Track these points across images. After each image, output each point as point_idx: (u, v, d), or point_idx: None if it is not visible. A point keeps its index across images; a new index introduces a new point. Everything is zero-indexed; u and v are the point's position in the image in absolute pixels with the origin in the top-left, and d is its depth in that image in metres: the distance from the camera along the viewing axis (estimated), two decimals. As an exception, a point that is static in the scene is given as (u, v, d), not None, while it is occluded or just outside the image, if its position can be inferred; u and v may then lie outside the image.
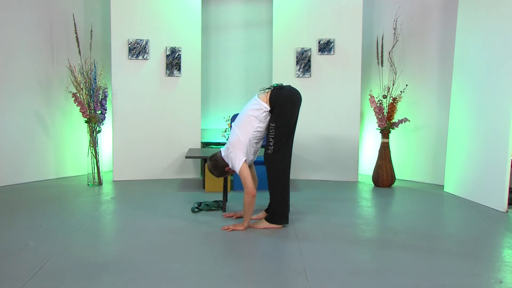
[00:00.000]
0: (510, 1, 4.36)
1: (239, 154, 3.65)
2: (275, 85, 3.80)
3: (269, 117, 3.72)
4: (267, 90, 3.77)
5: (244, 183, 3.63)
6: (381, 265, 3.06)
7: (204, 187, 5.26)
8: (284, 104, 3.68)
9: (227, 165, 3.77)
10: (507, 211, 4.38)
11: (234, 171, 3.75)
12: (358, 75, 5.77)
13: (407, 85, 5.58)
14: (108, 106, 5.60)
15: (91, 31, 5.60)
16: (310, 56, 5.81)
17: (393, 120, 5.56)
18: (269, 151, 3.71)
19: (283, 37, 5.86)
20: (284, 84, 3.86)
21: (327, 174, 5.91)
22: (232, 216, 4.07)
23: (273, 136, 3.68)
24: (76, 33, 5.43)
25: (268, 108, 3.69)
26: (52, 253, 3.13)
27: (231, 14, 6.49)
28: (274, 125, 3.68)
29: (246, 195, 3.64)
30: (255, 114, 3.70)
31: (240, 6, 6.49)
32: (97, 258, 3.10)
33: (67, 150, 5.88)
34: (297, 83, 5.62)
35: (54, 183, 5.54)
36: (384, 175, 5.52)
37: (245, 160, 3.65)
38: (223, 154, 3.80)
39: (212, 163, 3.85)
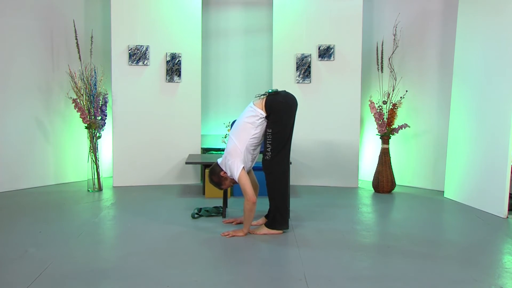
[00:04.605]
0: (510, 8, 4.38)
1: (237, 161, 3.65)
2: (270, 91, 3.80)
3: (265, 124, 3.72)
4: (262, 97, 3.78)
5: (244, 190, 3.62)
6: (381, 271, 3.06)
7: (204, 193, 5.26)
8: (280, 110, 3.69)
9: (222, 170, 3.76)
10: (507, 217, 4.38)
11: (232, 178, 3.74)
12: (358, 81, 5.78)
13: (407, 91, 5.58)
14: (108, 112, 5.60)
15: (92, 37, 5.62)
16: (310, 62, 5.82)
17: (393, 126, 5.57)
18: (267, 157, 3.71)
19: (283, 43, 5.87)
20: (281, 90, 3.86)
21: (327, 180, 5.91)
22: (232, 222, 4.07)
23: (270, 142, 3.68)
24: (76, 39, 5.44)
25: (264, 114, 3.69)
26: (51, 259, 3.13)
27: (231, 20, 6.50)
28: (271, 131, 3.68)
29: (246, 202, 3.64)
30: (251, 121, 3.70)
31: (240, 12, 6.51)
32: (97, 264, 3.09)
33: (67, 156, 5.88)
34: (297, 89, 5.64)
35: (54, 189, 5.53)
36: (384, 181, 5.52)
37: (243, 167, 3.65)
38: (220, 162, 3.80)
39: (210, 172, 3.85)
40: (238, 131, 3.73)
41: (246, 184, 3.61)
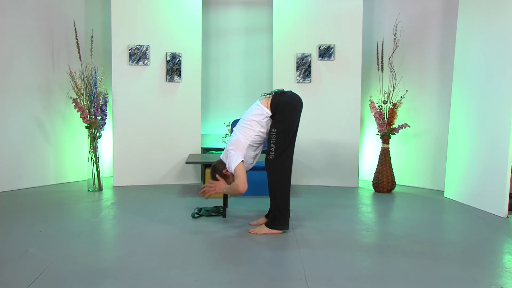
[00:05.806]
0: (510, 8, 4.38)
1: (237, 154, 3.64)
2: (276, 90, 3.81)
3: (270, 123, 3.72)
4: (268, 96, 3.78)
5: (237, 177, 3.57)
6: (382, 271, 3.06)
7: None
8: (285, 110, 3.69)
9: (225, 168, 3.75)
10: (507, 217, 4.38)
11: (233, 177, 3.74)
12: (358, 80, 5.78)
13: (407, 90, 5.58)
14: (109, 111, 5.60)
15: (92, 36, 5.62)
16: (310, 61, 5.82)
17: (393, 126, 5.56)
18: (270, 157, 3.71)
19: (283, 42, 5.87)
20: (285, 89, 3.87)
21: (327, 180, 5.91)
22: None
23: (274, 141, 3.68)
24: (76, 38, 5.44)
25: (270, 113, 3.70)
26: (51, 259, 3.13)
27: (232, 20, 6.51)
28: (275, 130, 3.68)
29: (236, 185, 3.57)
30: (257, 119, 3.71)
31: (240, 12, 6.51)
32: (97, 264, 3.09)
33: (67, 155, 5.88)
34: (297, 89, 5.63)
35: (54, 188, 5.53)
36: (384, 180, 5.51)
37: (242, 161, 3.64)
38: (221, 156, 3.80)
39: (212, 167, 3.85)
40: (243, 127, 3.73)
41: (240, 176, 3.56)
